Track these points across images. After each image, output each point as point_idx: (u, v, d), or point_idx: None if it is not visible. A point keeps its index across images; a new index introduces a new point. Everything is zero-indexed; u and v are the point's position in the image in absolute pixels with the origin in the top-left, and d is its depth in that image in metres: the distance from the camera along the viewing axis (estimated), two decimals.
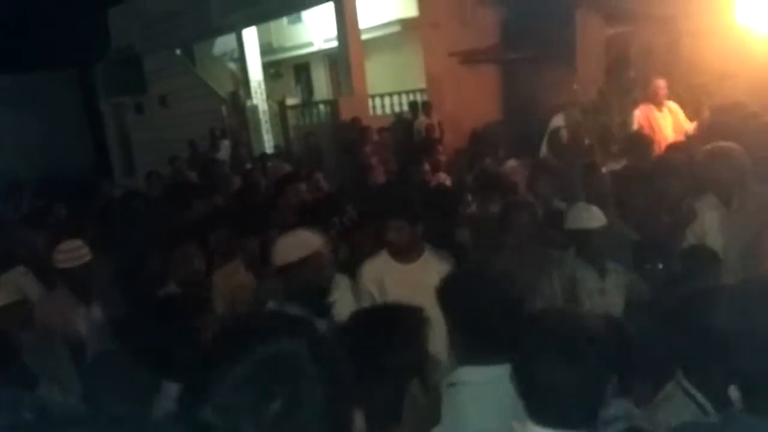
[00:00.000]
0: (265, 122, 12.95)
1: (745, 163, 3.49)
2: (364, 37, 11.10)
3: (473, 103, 10.46)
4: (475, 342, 1.76)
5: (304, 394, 0.93)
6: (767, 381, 1.37)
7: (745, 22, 6.59)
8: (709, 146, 3.64)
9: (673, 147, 4.95)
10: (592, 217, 3.17)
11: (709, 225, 3.48)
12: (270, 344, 0.96)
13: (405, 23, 11.85)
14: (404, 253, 2.89)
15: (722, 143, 3.60)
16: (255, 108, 13.00)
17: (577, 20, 8.45)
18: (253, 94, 13.04)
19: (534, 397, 1.46)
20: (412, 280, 2.61)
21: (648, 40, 6.85)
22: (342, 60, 11.01)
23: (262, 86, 13.15)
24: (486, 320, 1.77)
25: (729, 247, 3.34)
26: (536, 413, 1.45)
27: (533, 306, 2.79)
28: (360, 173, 7.34)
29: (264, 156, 10.12)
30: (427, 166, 6.68)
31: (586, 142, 6.08)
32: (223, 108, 13.72)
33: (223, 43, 14.76)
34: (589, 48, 8.28)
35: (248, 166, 8.81)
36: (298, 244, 2.57)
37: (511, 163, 5.92)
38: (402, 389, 1.28)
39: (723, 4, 6.84)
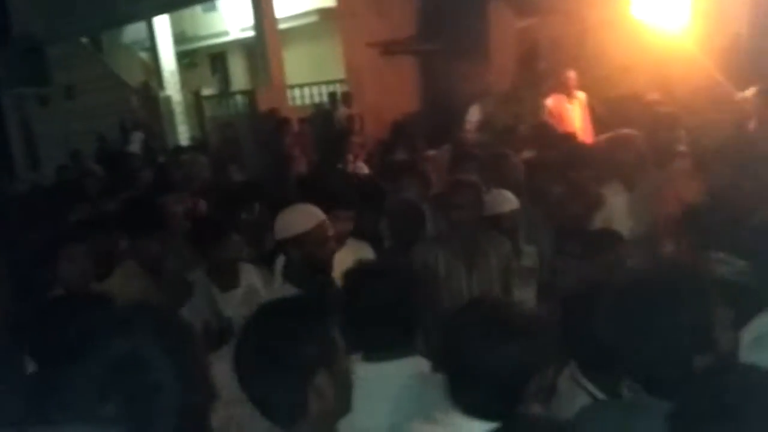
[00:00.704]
0: (180, 113, 12.55)
1: (644, 149, 3.71)
2: (281, 26, 10.94)
3: (393, 93, 10.52)
4: (365, 338, 1.80)
5: (145, 394, 0.91)
6: (658, 372, 1.43)
7: (639, 16, 6.96)
8: (611, 134, 3.83)
9: (579, 136, 5.18)
10: (504, 200, 3.28)
11: (615, 210, 3.67)
12: (108, 345, 0.94)
13: (323, 13, 11.77)
14: None
15: (623, 131, 3.80)
16: (168, 99, 12.57)
17: (489, 12, 8.66)
18: (166, 85, 12.60)
19: (458, 387, 1.49)
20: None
21: (556, 32, 7.12)
22: (259, 49, 10.81)
23: (176, 76, 12.73)
24: (376, 316, 1.81)
25: (634, 230, 3.54)
26: (460, 403, 1.49)
27: (470, 289, 2.97)
28: (280, 164, 7.27)
29: (179, 148, 9.82)
30: (350, 157, 6.70)
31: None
32: (134, 99, 13.19)
33: (133, 31, 14.17)
34: (501, 40, 8.51)
35: (162, 159, 8.54)
36: (302, 216, 2.54)
37: (431, 152, 6.03)
38: (306, 382, 1.28)
39: None
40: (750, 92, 4.78)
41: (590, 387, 1.75)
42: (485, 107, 7.30)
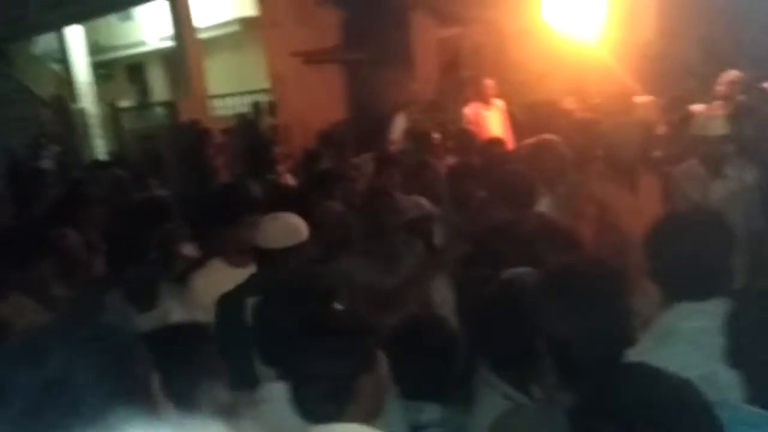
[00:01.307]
0: (96, 126, 12.06)
1: (566, 153, 3.81)
2: (202, 36, 10.70)
3: (319, 103, 10.46)
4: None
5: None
6: (582, 367, 1.46)
7: (551, 22, 7.20)
8: (533, 139, 3.93)
9: (498, 141, 5.28)
10: (415, 206, 3.34)
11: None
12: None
13: (244, 22, 11.58)
14: (240, 257, 2.80)
15: (545, 136, 3.91)
16: (83, 112, 12.05)
17: (411, 23, 8.75)
18: (80, 97, 12.07)
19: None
20: None
21: (476, 41, 7.26)
22: (179, 60, 10.53)
23: (91, 88, 12.22)
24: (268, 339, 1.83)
25: None
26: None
27: (390, 295, 2.94)
28: (202, 177, 7.07)
29: (96, 163, 9.41)
30: (280, 168, 6.60)
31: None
32: (46, 112, 12.57)
33: (45, 42, 13.52)
34: (424, 49, 8.61)
35: (77, 174, 8.14)
36: (291, 229, 2.48)
37: (356, 160, 6.01)
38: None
39: (541, 6, 7.40)
40: (648, 99, 5.07)
41: (505, 387, 1.77)
42: (410, 116, 7.36)
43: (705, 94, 5.62)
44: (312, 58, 10.73)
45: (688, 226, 1.85)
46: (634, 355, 1.58)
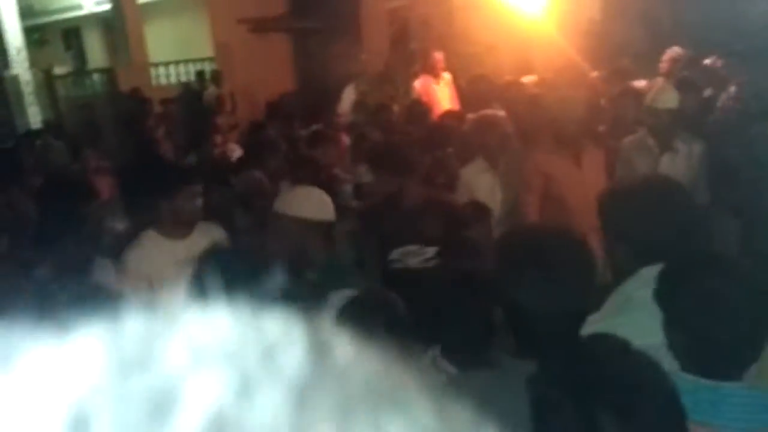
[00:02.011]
0: (30, 94, 11.48)
1: (508, 128, 3.83)
2: (142, 0, 10.28)
3: (266, 73, 10.22)
4: None
5: None
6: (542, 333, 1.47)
7: None
8: (476, 114, 3.93)
9: (447, 114, 5.27)
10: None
11: (481, 187, 3.78)
12: None
13: None
14: (176, 229, 2.70)
15: (488, 111, 3.91)
16: (15, 78, 11.44)
17: None
18: (12, 63, 11.45)
19: None
20: (182, 257, 2.45)
21: (425, 13, 7.20)
22: (118, 25, 10.10)
23: (24, 54, 11.60)
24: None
25: (500, 206, 3.66)
26: None
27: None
28: (142, 148, 6.83)
29: (30, 132, 8.97)
30: (218, 138, 6.41)
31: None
32: None
33: None
34: (373, 20, 8.49)
35: (10, 144, 7.74)
36: (325, 205, 2.49)
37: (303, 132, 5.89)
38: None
39: None
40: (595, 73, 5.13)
41: (450, 368, 1.75)
42: (360, 87, 7.26)
43: (647, 71, 5.73)
44: (258, 26, 10.46)
45: (646, 194, 1.84)
46: (591, 322, 1.60)
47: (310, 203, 2.52)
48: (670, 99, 3.66)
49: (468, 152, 3.84)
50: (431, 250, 2.16)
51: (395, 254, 1.87)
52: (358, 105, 6.40)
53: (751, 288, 1.43)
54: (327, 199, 2.56)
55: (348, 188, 3.98)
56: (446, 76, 6.67)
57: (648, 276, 1.67)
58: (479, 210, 3.04)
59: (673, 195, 1.85)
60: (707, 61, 5.70)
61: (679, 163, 3.65)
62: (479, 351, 1.66)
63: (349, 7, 8.65)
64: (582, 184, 3.53)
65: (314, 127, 5.37)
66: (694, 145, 3.71)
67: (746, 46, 5.41)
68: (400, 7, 8.68)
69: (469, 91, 6.04)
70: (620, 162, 3.78)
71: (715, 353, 1.42)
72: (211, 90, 9.89)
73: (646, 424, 1.10)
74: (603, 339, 1.30)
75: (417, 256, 2.22)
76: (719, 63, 5.47)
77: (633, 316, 1.66)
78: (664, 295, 1.51)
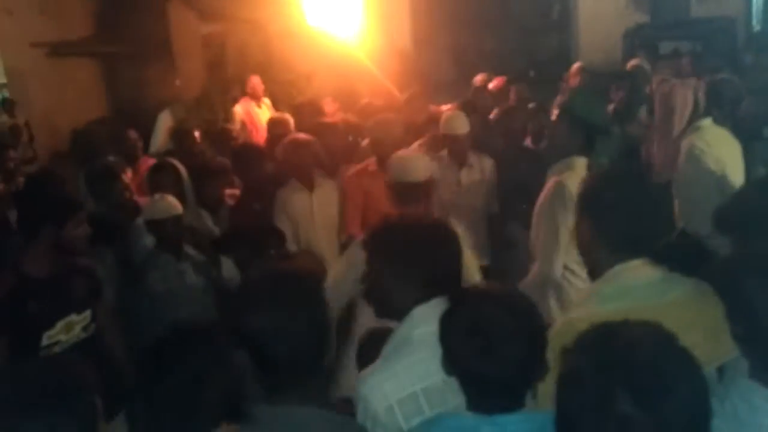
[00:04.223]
0: None
1: (318, 151, 4.02)
2: None
3: (71, 100, 9.41)
4: None
5: None
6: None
7: (315, 24, 7.45)
8: (288, 138, 4.10)
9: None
10: (164, 208, 3.31)
11: (296, 207, 3.90)
12: None
13: None
14: None
15: (298, 135, 4.16)
16: None
17: (170, 16, 8.31)
18: None
19: None
20: None
21: (242, 39, 7.13)
22: None
23: None
24: None
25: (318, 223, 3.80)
26: None
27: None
28: None
29: None
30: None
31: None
32: None
33: None
34: (186, 44, 8.23)
35: None
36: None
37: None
38: None
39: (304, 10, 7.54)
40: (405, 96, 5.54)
41: None
42: (176, 114, 6.99)
43: (454, 96, 6.20)
44: (56, 50, 9.61)
45: (408, 237, 1.80)
46: (373, 371, 1.66)
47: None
48: (460, 125, 4.07)
49: (282, 174, 3.95)
50: None
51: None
52: (174, 131, 6.16)
53: (519, 321, 1.44)
54: None
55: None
56: (266, 101, 6.69)
57: (421, 315, 1.68)
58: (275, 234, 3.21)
59: (434, 238, 1.84)
60: (491, 85, 6.36)
61: (475, 175, 4.10)
62: None
63: (159, 32, 8.30)
64: None
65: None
66: (484, 160, 4.19)
67: (539, 73, 6.10)
68: (214, 33, 8.51)
69: (296, 117, 6.14)
70: None
71: (487, 388, 1.44)
72: (3, 119, 8.92)
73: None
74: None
75: None
76: (502, 86, 6.14)
77: (414, 358, 1.65)
78: (443, 332, 1.51)
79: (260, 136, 5.91)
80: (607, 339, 1.16)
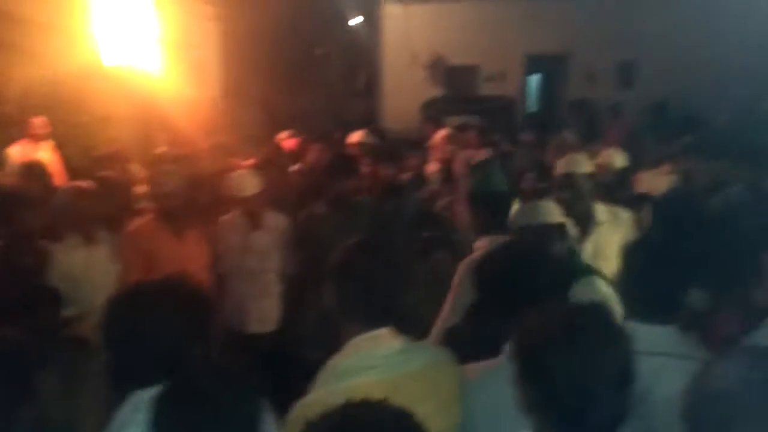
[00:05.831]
0: None
1: (93, 201, 3.60)
2: None
3: None
4: None
5: None
6: None
7: (112, 64, 7.13)
8: (66, 186, 3.69)
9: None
10: None
11: (75, 264, 3.45)
12: None
13: None
14: None
15: (76, 184, 3.71)
16: None
17: None
18: None
19: None
20: None
21: (24, 78, 6.49)
22: None
23: None
24: None
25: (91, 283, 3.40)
26: None
27: None
28: None
29: None
30: None
31: None
32: None
33: None
34: None
35: None
36: None
37: None
38: None
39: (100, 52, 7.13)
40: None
41: None
42: None
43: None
44: None
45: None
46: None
47: None
48: (249, 187, 3.94)
49: (59, 227, 3.49)
50: None
51: None
52: None
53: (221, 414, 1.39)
54: None
55: None
56: (49, 142, 6.17)
57: (138, 401, 1.58)
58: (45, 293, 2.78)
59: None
60: (286, 144, 6.53)
61: (266, 236, 3.94)
62: None
63: None
64: (185, 258, 3.52)
65: None
66: (278, 219, 4.04)
67: (345, 133, 6.26)
68: None
69: (82, 163, 5.71)
70: (218, 237, 3.93)
71: None
72: None
73: None
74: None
75: None
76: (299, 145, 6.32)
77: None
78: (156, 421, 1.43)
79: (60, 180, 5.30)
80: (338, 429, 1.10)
